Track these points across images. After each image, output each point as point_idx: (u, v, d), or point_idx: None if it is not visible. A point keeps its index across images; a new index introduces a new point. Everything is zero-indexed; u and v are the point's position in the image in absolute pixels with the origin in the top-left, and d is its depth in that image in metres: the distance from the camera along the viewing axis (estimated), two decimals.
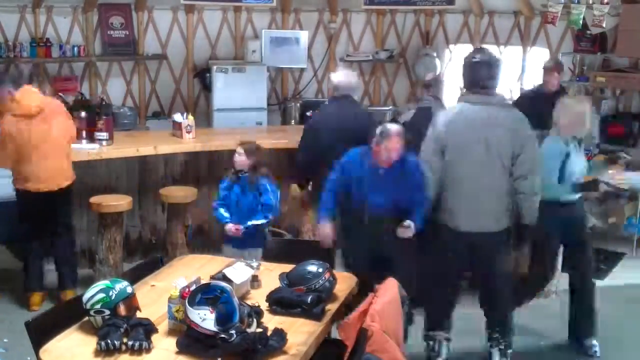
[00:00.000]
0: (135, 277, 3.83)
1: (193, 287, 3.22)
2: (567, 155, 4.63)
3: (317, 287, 3.56)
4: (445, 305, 4.55)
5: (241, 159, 4.98)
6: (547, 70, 6.36)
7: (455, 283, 4.55)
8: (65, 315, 3.36)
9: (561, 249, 5.09)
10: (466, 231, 4.27)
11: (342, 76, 5.45)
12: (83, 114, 5.97)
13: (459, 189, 4.25)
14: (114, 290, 3.26)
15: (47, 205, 5.29)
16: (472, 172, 4.22)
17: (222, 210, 4.98)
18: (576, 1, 6.66)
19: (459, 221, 4.27)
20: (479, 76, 4.28)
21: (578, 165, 4.71)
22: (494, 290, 4.45)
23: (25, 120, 5.12)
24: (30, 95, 5.17)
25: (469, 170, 4.22)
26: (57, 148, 5.25)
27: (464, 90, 4.46)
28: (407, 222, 4.30)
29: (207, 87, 8.14)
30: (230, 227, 4.90)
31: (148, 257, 5.63)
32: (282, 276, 3.71)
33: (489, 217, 4.26)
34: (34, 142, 5.13)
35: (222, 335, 2.99)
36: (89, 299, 3.24)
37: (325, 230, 4.53)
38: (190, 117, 6.44)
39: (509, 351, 4.50)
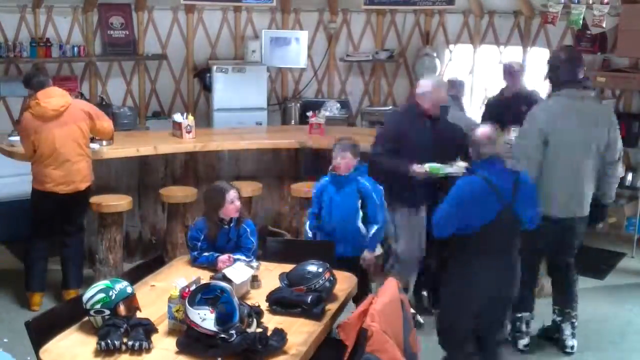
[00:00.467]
0: (135, 277, 3.83)
1: (193, 287, 3.22)
2: None
3: (317, 287, 3.56)
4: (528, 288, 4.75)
5: (238, 204, 4.23)
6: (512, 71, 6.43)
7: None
8: (65, 315, 3.36)
9: None
10: (561, 217, 4.60)
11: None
12: None
13: (559, 176, 4.55)
14: (114, 290, 3.26)
15: (63, 207, 5.32)
16: (574, 162, 4.56)
17: (205, 254, 4.15)
18: (576, 1, 6.64)
19: (554, 209, 4.54)
20: (574, 72, 4.63)
21: None
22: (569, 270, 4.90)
23: (42, 121, 5.10)
24: (50, 98, 5.11)
25: (571, 161, 4.55)
26: (77, 151, 5.22)
27: (554, 86, 4.74)
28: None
29: (207, 87, 8.14)
30: (224, 258, 4.03)
31: (148, 257, 5.63)
32: (282, 276, 3.71)
33: (583, 203, 4.66)
34: (51, 144, 5.12)
35: (222, 335, 2.99)
36: (89, 299, 3.25)
37: None
38: (190, 117, 6.44)
39: (576, 323, 4.88)
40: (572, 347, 4.84)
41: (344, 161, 4.64)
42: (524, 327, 4.85)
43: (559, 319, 4.91)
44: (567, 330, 4.85)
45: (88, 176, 5.35)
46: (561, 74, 4.66)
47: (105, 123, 5.45)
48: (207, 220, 4.23)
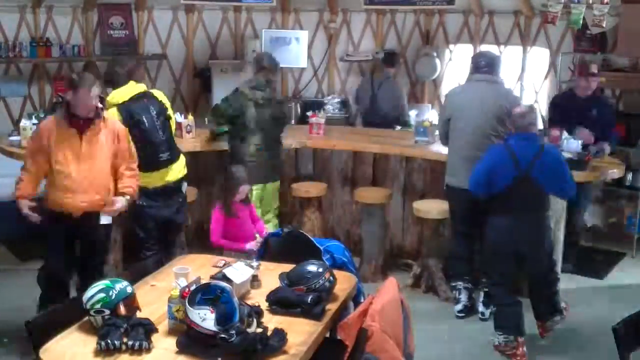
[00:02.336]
0: (135, 277, 3.84)
1: (193, 287, 3.22)
2: None
3: (317, 287, 3.56)
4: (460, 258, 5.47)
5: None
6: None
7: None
8: (65, 315, 3.36)
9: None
10: (462, 188, 5.08)
11: None
12: None
13: (457, 150, 5.26)
14: (114, 290, 3.26)
15: None
16: (468, 137, 5.18)
17: None
18: (576, 1, 6.64)
19: (455, 179, 5.29)
20: (479, 63, 5.36)
21: None
22: None
23: None
24: None
25: (466, 136, 5.20)
26: None
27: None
28: None
29: (207, 87, 8.14)
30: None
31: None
32: (282, 276, 3.72)
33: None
34: None
35: (222, 335, 2.99)
36: (89, 299, 3.25)
37: None
38: (190, 117, 6.44)
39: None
40: (482, 314, 5.32)
41: None
42: (458, 295, 5.42)
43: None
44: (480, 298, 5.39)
45: None
46: (472, 66, 5.43)
47: None
48: None
